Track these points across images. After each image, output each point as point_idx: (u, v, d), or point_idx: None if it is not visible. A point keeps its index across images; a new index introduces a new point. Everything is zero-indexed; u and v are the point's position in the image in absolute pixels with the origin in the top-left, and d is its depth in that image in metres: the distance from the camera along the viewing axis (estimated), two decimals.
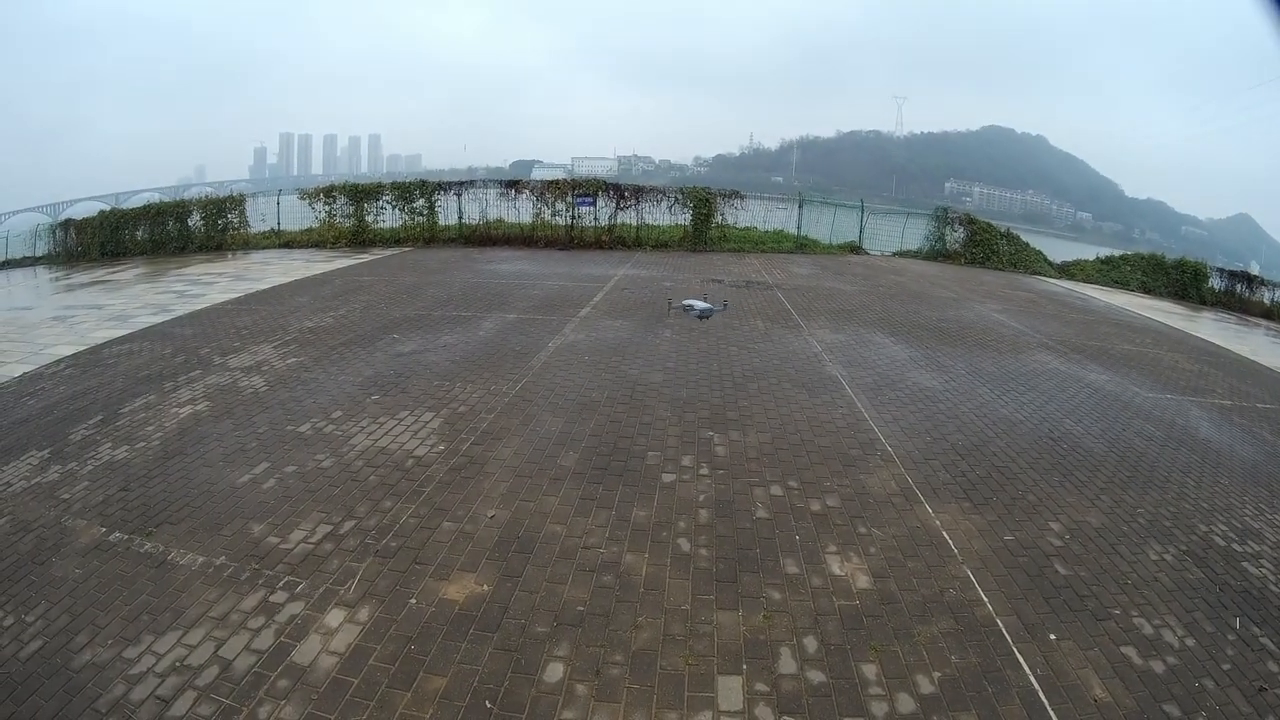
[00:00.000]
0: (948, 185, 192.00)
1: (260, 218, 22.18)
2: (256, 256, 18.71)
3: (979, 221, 22.90)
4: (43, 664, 3.61)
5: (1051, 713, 3.42)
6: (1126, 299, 18.97)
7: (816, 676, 3.56)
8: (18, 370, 8.48)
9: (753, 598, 4.16)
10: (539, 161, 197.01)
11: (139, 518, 4.98)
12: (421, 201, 21.23)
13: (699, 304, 10.91)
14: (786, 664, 3.64)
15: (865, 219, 23.10)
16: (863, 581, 4.36)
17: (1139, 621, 4.19)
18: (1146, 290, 21.26)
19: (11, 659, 3.66)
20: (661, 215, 21.29)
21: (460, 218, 21.48)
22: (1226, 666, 3.86)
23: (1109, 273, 22.41)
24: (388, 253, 18.94)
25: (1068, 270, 22.78)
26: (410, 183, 21.74)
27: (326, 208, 21.01)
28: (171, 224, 20.82)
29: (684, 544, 4.67)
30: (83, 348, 9.40)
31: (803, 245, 22.07)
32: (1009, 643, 3.89)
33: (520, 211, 21.34)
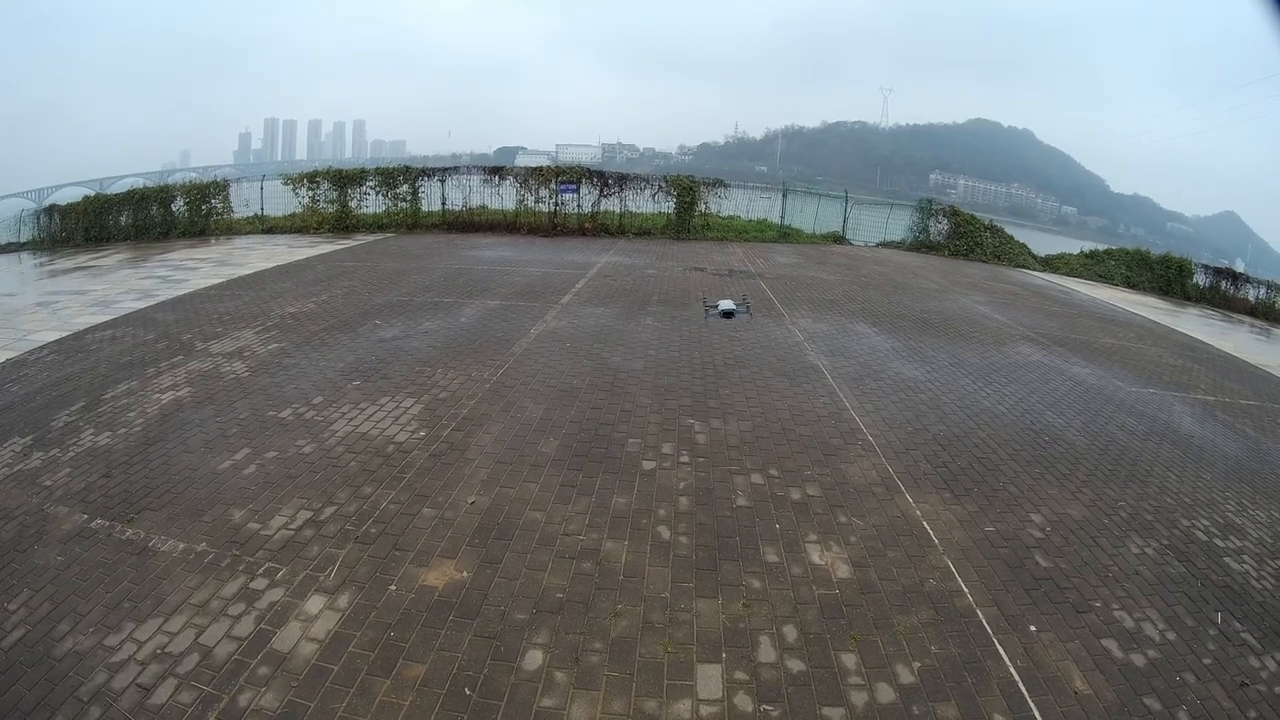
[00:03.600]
0: (933, 177, 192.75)
1: (244, 203, 21.93)
2: (240, 242, 18.48)
3: (963, 213, 22.89)
4: (25, 652, 3.58)
5: (1031, 704, 3.44)
6: (1110, 293, 19.09)
7: (796, 665, 3.58)
8: (1, 357, 8.36)
9: (732, 586, 4.17)
10: (523, 148, 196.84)
11: (120, 504, 4.94)
12: (405, 187, 21.09)
13: (726, 304, 10.81)
14: (766, 653, 3.65)
15: (849, 209, 23.15)
16: (843, 571, 4.38)
17: (1120, 615, 4.22)
18: (1131, 285, 21.39)
19: None
20: (645, 203, 21.25)
21: (444, 204, 21.38)
22: (1208, 661, 3.90)
23: (1093, 267, 22.51)
24: (371, 238, 18.77)
25: (1052, 264, 22.83)
26: (394, 168, 21.58)
27: (310, 193, 20.80)
28: (155, 209, 20.57)
29: (664, 531, 4.68)
30: (66, 333, 9.27)
31: (786, 235, 22.06)
32: (989, 634, 3.92)
33: (504, 198, 21.23)
